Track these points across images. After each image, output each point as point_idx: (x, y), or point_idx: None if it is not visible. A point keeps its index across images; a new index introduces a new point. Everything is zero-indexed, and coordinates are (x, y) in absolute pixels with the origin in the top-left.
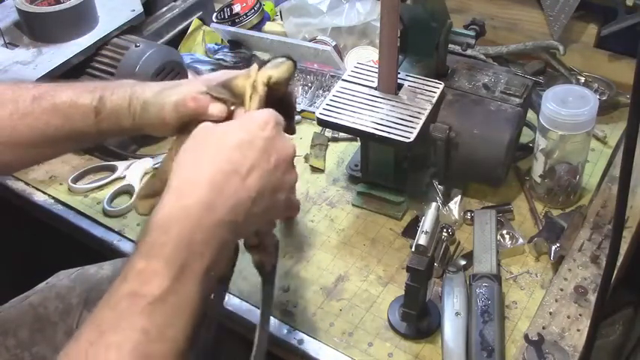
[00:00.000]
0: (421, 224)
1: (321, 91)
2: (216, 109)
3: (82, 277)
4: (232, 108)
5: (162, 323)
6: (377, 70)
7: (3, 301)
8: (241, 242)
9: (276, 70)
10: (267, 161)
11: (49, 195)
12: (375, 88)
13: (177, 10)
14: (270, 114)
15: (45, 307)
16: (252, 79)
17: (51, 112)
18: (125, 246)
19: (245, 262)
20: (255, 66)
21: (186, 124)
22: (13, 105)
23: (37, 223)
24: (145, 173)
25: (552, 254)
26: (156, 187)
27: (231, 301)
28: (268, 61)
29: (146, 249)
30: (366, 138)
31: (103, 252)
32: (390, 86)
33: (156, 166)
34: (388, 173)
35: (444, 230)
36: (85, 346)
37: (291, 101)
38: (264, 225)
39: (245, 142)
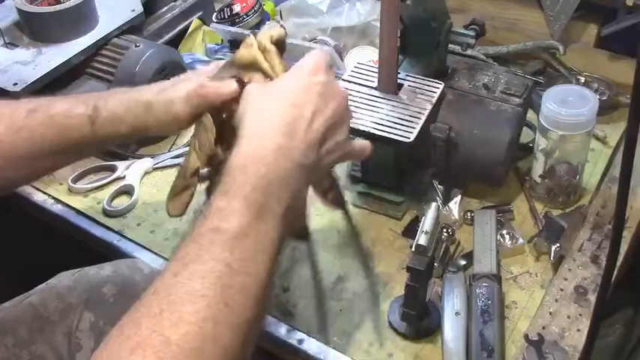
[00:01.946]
0: (421, 224)
1: None
2: (227, 87)
3: (82, 277)
4: (247, 80)
5: (244, 258)
6: (377, 70)
7: (3, 301)
8: None
9: (273, 30)
10: (325, 105)
11: (49, 195)
12: (375, 88)
13: (177, 10)
14: (317, 59)
15: (45, 307)
16: (257, 44)
17: (46, 124)
18: (125, 246)
19: None
20: (250, 36)
21: (196, 116)
22: (8, 119)
23: (37, 223)
24: (146, 173)
25: (552, 254)
26: (181, 184)
27: None
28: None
29: (226, 188)
30: (366, 138)
31: (103, 252)
32: (390, 86)
33: (156, 165)
34: (388, 173)
35: (444, 230)
36: (169, 277)
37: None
38: (329, 167)
39: (303, 88)
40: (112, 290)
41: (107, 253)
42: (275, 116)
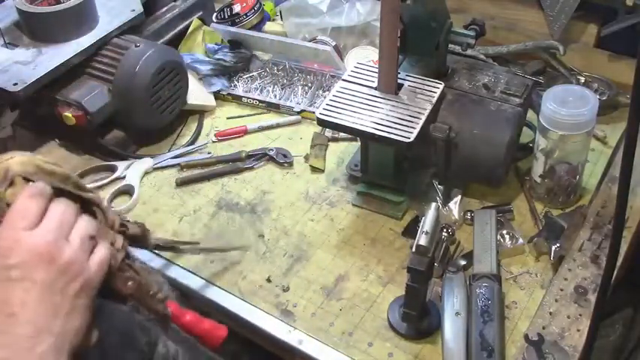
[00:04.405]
0: (421, 224)
1: (321, 91)
2: None
3: None
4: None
5: None
6: (377, 70)
7: None
8: None
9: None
10: (33, 283)
11: None
12: (375, 88)
13: (177, 10)
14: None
15: None
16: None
17: None
18: None
19: (245, 262)
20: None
21: None
22: None
23: None
24: (146, 173)
25: (552, 254)
26: None
27: (232, 301)
28: None
29: None
30: (366, 138)
31: None
32: (390, 86)
33: (156, 165)
34: (388, 173)
35: (444, 230)
36: None
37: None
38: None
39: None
40: None
41: None
42: None
